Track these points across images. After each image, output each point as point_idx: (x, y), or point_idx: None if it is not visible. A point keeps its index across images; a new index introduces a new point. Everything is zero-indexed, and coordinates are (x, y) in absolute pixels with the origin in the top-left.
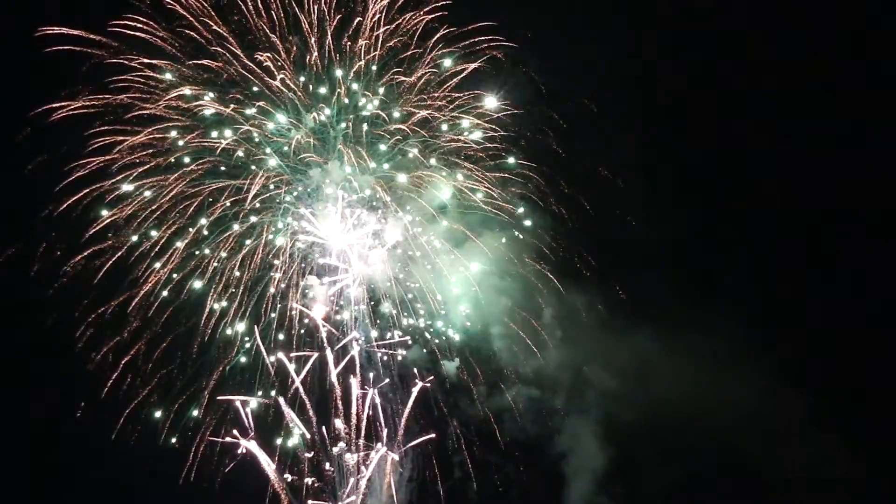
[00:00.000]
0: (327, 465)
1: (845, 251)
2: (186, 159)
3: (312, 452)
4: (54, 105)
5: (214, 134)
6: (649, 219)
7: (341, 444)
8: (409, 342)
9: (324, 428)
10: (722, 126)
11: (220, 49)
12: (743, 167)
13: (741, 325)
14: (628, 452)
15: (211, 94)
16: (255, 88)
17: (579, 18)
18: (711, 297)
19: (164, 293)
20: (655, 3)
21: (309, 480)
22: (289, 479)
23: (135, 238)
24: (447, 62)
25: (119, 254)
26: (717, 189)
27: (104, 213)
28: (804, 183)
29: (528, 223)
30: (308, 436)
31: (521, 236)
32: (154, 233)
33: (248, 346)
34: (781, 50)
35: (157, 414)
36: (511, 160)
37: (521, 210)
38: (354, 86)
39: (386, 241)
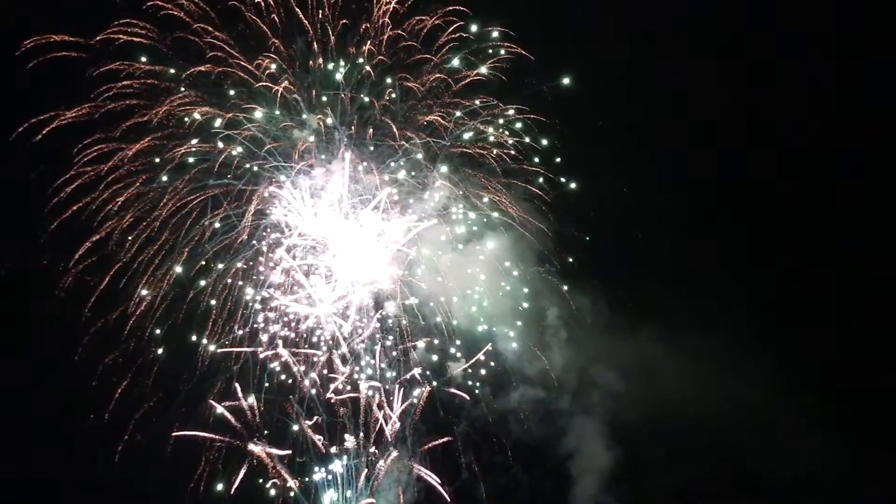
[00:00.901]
0: (334, 467)
1: (845, 251)
2: (187, 166)
3: (319, 453)
4: (53, 114)
5: (215, 139)
6: (650, 220)
7: (349, 446)
8: (415, 343)
9: (330, 430)
10: (722, 126)
11: (220, 53)
12: (743, 167)
13: (741, 325)
14: (633, 452)
15: (211, 99)
16: (257, 92)
17: (582, 21)
18: (711, 297)
19: (167, 299)
20: (655, 7)
21: (316, 481)
22: (297, 482)
23: (135, 247)
24: (455, 61)
25: (120, 262)
26: (717, 189)
27: (105, 222)
28: (805, 183)
29: (531, 226)
30: (314, 438)
31: (524, 239)
32: (155, 240)
33: (252, 348)
34: (781, 50)
35: (164, 420)
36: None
37: (524, 213)
38: (359, 88)
39: (390, 242)
